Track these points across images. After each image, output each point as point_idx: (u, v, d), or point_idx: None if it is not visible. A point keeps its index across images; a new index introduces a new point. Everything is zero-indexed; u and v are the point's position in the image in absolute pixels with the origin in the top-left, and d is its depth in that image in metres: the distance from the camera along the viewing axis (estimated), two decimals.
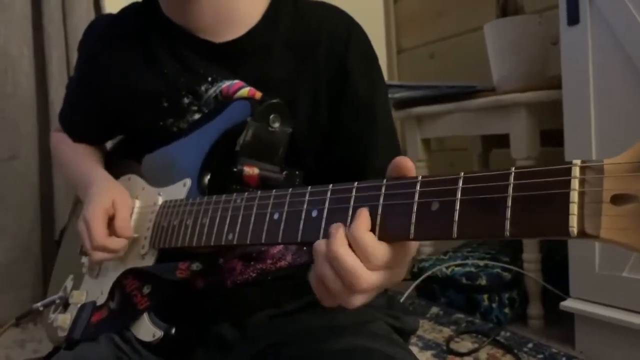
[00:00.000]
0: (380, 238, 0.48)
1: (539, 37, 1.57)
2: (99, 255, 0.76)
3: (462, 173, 0.44)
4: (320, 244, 0.50)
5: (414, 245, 0.53)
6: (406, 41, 2.56)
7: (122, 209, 0.79)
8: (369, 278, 0.47)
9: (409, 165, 0.50)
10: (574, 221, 0.37)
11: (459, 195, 0.43)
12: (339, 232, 0.49)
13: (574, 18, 1.26)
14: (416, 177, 0.48)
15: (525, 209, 0.40)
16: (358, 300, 0.49)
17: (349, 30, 0.82)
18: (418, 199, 0.46)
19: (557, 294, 1.45)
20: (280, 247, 0.79)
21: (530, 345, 1.37)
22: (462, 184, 0.44)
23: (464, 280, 1.60)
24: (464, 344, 1.42)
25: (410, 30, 2.54)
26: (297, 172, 0.79)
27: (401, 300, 1.65)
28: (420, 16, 2.46)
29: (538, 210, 0.39)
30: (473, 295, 1.58)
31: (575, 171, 0.38)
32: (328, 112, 0.81)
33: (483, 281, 1.56)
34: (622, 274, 1.22)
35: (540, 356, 1.31)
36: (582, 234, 0.37)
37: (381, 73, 0.86)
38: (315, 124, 0.81)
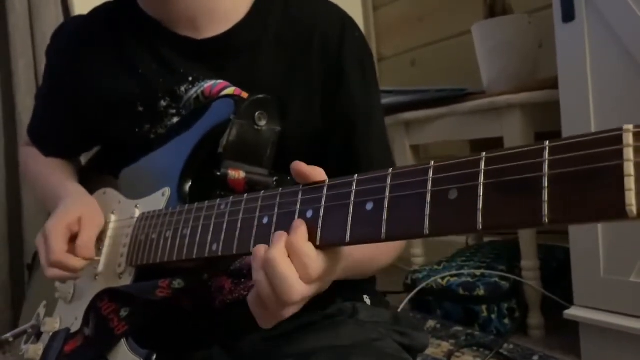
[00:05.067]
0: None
1: (530, 37, 1.54)
2: (53, 272, 0.70)
3: (484, 153, 0.37)
4: (259, 249, 0.48)
5: (346, 253, 0.51)
6: (386, 49, 2.52)
7: (88, 228, 0.72)
8: (300, 288, 0.46)
9: (306, 170, 0.49)
10: (631, 198, 0.30)
11: (481, 179, 0.37)
12: (281, 239, 0.47)
13: (569, 14, 1.21)
14: (428, 163, 0.41)
15: (567, 188, 0.33)
16: (288, 313, 0.48)
17: (343, 26, 0.78)
18: (431, 187, 0.40)
19: (558, 302, 1.39)
20: None
21: (535, 357, 1.31)
22: (484, 166, 0.37)
23: (461, 291, 1.54)
24: (466, 359, 1.35)
25: (390, 38, 2.51)
26: (288, 178, 0.73)
27: None
28: (400, 23, 2.43)
29: (583, 189, 0.32)
30: (471, 306, 1.52)
31: (628, 138, 0.31)
32: (321, 114, 0.76)
33: (481, 291, 1.50)
34: (630, 278, 1.16)
35: None
36: None
37: (375, 73, 0.82)
38: (308, 126, 0.76)
